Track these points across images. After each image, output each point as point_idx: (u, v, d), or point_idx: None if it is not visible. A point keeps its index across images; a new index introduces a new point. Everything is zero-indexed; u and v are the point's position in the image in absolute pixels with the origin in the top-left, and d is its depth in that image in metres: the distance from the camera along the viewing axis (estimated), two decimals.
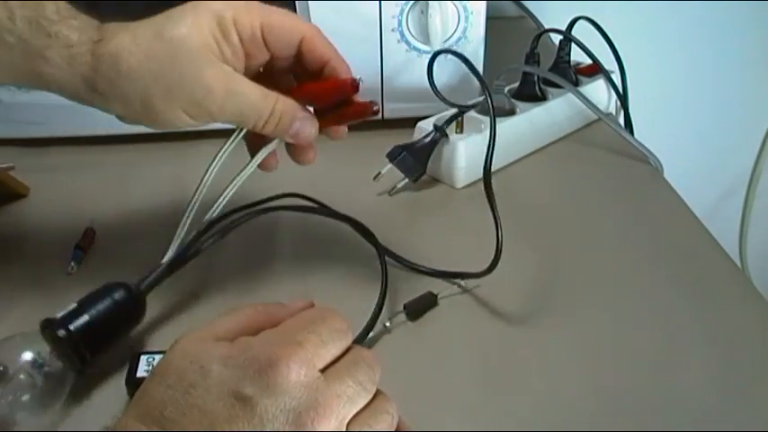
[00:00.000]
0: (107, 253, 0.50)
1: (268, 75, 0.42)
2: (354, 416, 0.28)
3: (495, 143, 0.54)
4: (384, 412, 0.29)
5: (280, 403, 0.26)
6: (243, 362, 0.27)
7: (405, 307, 0.43)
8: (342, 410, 0.28)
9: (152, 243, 0.43)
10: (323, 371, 0.28)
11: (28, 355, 0.35)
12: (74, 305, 0.38)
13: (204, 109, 0.37)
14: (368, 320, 0.41)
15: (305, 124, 0.40)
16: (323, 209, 0.51)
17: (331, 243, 0.50)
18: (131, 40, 0.36)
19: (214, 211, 0.42)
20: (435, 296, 0.44)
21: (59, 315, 0.37)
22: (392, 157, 0.55)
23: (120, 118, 0.39)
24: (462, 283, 0.44)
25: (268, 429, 0.26)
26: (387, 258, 0.47)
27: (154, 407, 0.27)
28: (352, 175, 0.57)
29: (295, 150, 0.42)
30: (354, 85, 0.40)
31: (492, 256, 0.42)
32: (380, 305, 0.43)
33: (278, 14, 0.39)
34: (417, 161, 0.55)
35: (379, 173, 0.55)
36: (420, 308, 0.44)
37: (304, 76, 0.42)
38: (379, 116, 0.66)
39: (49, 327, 0.37)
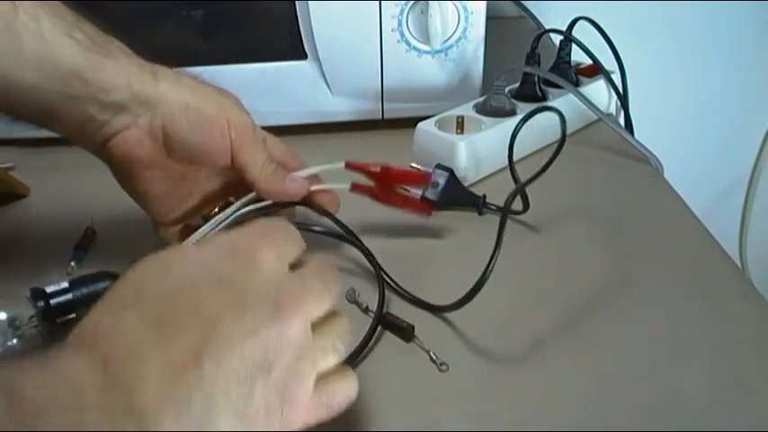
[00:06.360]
0: (107, 253, 0.50)
1: None
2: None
3: (495, 143, 0.55)
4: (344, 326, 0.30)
5: (258, 286, 0.26)
6: (217, 246, 0.28)
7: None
8: (311, 308, 0.28)
9: (152, 243, 0.43)
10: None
11: (4, 315, 0.39)
12: (65, 284, 0.40)
13: None
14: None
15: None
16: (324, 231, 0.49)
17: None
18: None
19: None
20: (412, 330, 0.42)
21: (48, 289, 0.40)
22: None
23: None
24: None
25: (249, 313, 0.25)
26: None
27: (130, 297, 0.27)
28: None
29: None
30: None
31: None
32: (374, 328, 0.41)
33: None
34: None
35: None
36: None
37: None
38: (379, 116, 0.66)
39: (33, 296, 0.40)
